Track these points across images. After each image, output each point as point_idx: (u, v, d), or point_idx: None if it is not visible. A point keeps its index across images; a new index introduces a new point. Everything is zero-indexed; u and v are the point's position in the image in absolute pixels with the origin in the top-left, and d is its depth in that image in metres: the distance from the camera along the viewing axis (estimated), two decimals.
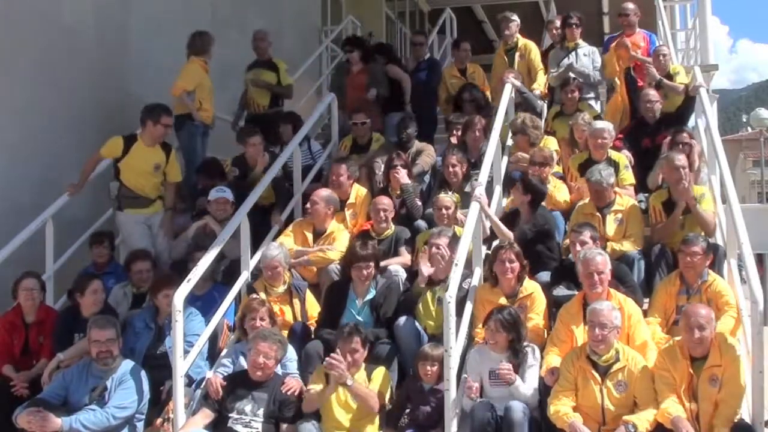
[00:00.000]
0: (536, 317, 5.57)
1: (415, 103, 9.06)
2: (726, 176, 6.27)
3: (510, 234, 6.17)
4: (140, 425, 5.45)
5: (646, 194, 6.96)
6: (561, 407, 4.82)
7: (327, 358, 5.15)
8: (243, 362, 5.57)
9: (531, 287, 5.67)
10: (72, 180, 7.04)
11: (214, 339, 6.00)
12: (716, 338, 4.84)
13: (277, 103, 9.02)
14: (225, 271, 6.64)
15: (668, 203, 6.35)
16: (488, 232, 6.41)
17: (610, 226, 6.37)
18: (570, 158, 7.50)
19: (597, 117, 8.04)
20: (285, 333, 5.76)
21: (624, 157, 7.14)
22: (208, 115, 8.16)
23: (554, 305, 5.72)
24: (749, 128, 45.52)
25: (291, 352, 5.60)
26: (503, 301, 5.55)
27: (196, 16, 9.45)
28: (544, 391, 5.03)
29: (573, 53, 8.84)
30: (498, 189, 6.97)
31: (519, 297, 5.61)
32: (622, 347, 4.98)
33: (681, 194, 6.20)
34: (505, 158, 7.48)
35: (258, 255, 6.48)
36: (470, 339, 5.60)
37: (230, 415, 5.26)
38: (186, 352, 5.48)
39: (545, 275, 5.98)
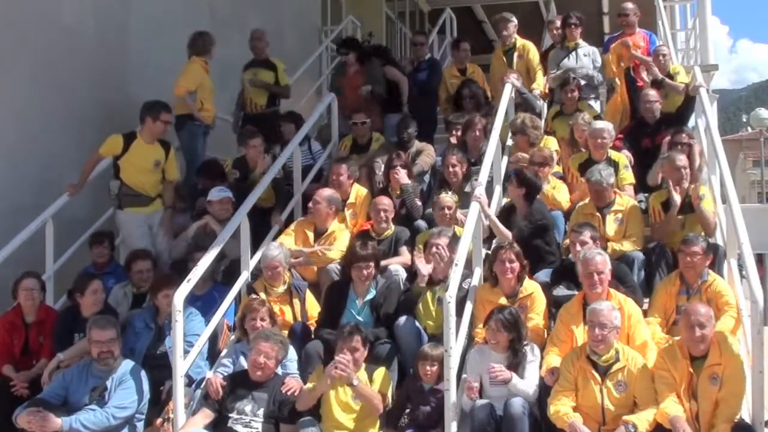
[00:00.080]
0: (536, 317, 5.57)
1: (415, 104, 9.06)
2: (726, 176, 6.27)
3: (509, 234, 6.17)
4: (140, 425, 5.45)
5: (646, 194, 6.96)
6: (561, 407, 4.82)
7: (337, 357, 5.14)
8: (243, 362, 5.58)
9: (531, 287, 5.67)
10: (72, 180, 7.04)
11: (214, 339, 6.00)
12: (716, 337, 4.84)
13: (274, 103, 9.02)
14: (225, 271, 6.64)
15: (668, 203, 6.34)
16: (488, 231, 6.41)
17: (610, 226, 6.37)
18: (570, 158, 7.50)
19: (597, 117, 8.03)
20: (285, 333, 5.76)
21: (624, 157, 7.15)
22: (209, 115, 8.17)
23: (554, 305, 5.72)
24: (749, 128, 45.51)
25: (291, 352, 5.60)
26: (503, 301, 5.55)
27: (196, 16, 9.46)
28: (544, 391, 5.03)
29: (573, 53, 8.85)
30: (498, 189, 6.97)
31: (519, 297, 5.61)
32: (622, 347, 4.98)
33: (678, 194, 6.21)
34: (505, 158, 7.48)
35: (258, 255, 6.48)
36: (470, 339, 5.60)
37: (230, 415, 5.26)
38: (186, 352, 5.48)
39: (544, 275, 5.98)
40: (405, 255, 6.57)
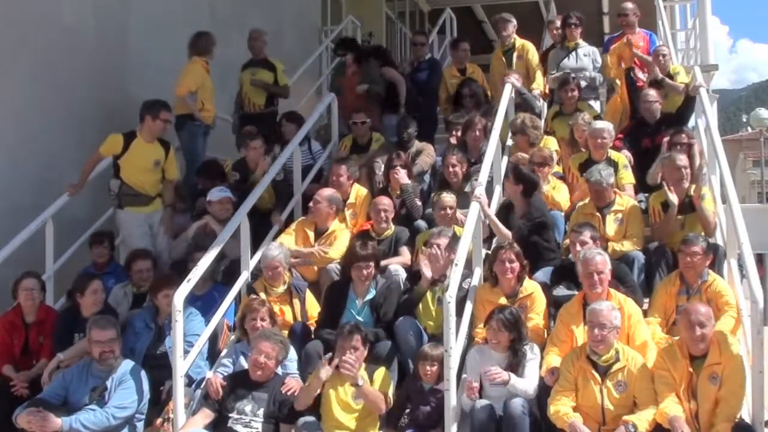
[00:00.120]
0: (536, 317, 5.57)
1: (415, 103, 9.06)
2: (726, 176, 6.27)
3: (509, 234, 6.17)
4: (140, 425, 5.45)
5: (646, 194, 6.96)
6: (561, 407, 4.82)
7: (344, 357, 5.14)
8: (243, 362, 5.58)
9: (531, 287, 5.67)
10: (72, 180, 7.04)
11: (214, 339, 6.00)
12: (716, 336, 4.84)
13: (273, 103, 9.02)
14: (225, 271, 6.64)
15: (668, 203, 6.34)
16: (488, 231, 6.40)
17: (610, 226, 6.37)
18: (570, 158, 7.50)
19: (597, 117, 8.03)
20: (285, 333, 5.76)
21: (623, 157, 7.14)
22: (209, 116, 8.18)
23: (554, 305, 5.72)
24: (749, 128, 45.51)
25: (291, 352, 5.60)
26: (503, 301, 5.55)
27: (196, 16, 9.46)
28: (544, 391, 5.03)
29: (573, 53, 8.85)
30: (498, 189, 6.97)
31: (519, 297, 5.61)
32: (621, 347, 4.98)
33: (678, 194, 6.21)
34: (505, 158, 7.48)
35: (258, 255, 6.48)
36: (470, 339, 5.60)
37: (230, 415, 5.26)
38: (186, 352, 5.48)
39: (543, 275, 5.97)
40: (405, 255, 6.57)
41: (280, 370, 5.47)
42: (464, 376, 5.28)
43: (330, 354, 5.28)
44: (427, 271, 5.82)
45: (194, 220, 7.14)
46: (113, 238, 7.07)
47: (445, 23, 14.00)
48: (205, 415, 5.28)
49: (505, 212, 6.53)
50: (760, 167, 34.27)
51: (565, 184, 7.27)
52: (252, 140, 7.66)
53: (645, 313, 5.55)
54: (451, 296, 5.07)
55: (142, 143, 6.99)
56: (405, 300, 5.91)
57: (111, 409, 5.25)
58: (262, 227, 6.97)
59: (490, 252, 6.00)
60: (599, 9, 16.63)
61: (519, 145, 7.60)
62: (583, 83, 8.44)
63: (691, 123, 8.01)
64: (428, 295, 5.84)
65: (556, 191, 7.03)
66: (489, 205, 6.35)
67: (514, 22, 9.14)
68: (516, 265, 5.61)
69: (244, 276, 6.35)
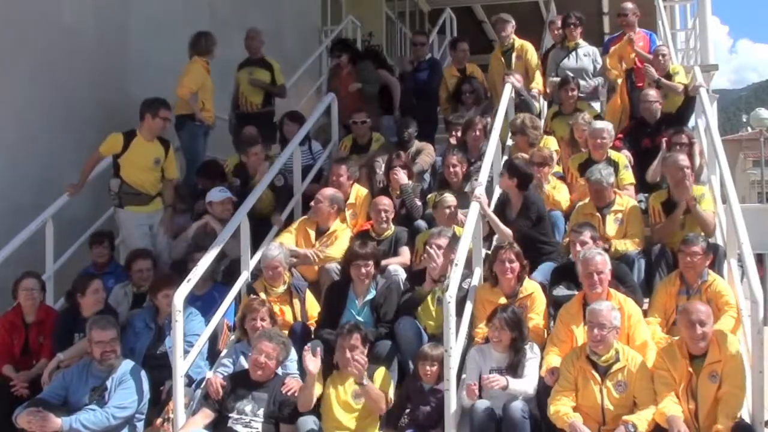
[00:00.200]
0: (536, 317, 5.57)
1: (409, 105, 9.10)
2: (726, 176, 6.27)
3: (510, 232, 6.16)
4: (140, 425, 5.45)
5: (646, 194, 6.96)
6: (561, 407, 4.82)
7: (355, 357, 5.12)
8: (243, 362, 5.58)
9: (531, 287, 5.67)
10: (72, 180, 7.04)
11: (214, 339, 6.00)
12: (715, 335, 4.85)
13: (270, 102, 9.02)
14: (225, 271, 6.63)
15: (668, 203, 6.35)
16: (487, 228, 6.39)
17: (610, 226, 6.37)
18: (570, 158, 7.50)
19: (597, 117, 8.03)
20: (285, 333, 5.75)
21: (623, 157, 7.15)
22: (210, 116, 8.17)
23: (554, 305, 5.72)
24: (749, 128, 45.49)
25: (291, 353, 5.60)
26: (503, 301, 5.55)
27: (196, 16, 9.46)
28: (544, 391, 5.03)
29: (573, 53, 8.86)
30: (498, 189, 6.97)
31: (519, 297, 5.61)
32: (621, 347, 4.98)
33: (681, 194, 6.21)
34: (505, 158, 7.48)
35: (258, 255, 6.48)
36: (470, 339, 5.60)
37: (230, 415, 5.26)
38: (186, 352, 5.48)
39: (541, 275, 5.97)
40: (405, 255, 6.57)
41: (280, 371, 5.47)
42: (464, 376, 5.28)
43: (308, 345, 5.27)
44: (433, 273, 5.81)
45: (194, 221, 7.13)
46: (113, 238, 7.07)
47: (445, 23, 14.01)
48: (205, 415, 5.27)
49: (501, 207, 6.52)
50: (760, 167, 34.26)
51: (565, 184, 7.27)
52: (252, 146, 7.64)
53: (645, 313, 5.55)
54: (451, 296, 5.07)
55: (142, 142, 6.99)
56: (406, 300, 5.90)
57: (111, 409, 5.25)
58: (261, 228, 6.96)
59: (490, 252, 6.00)
60: (599, 9, 16.63)
61: (519, 145, 7.60)
62: (582, 94, 8.43)
63: (691, 123, 8.01)
64: (428, 295, 5.84)
65: (556, 191, 7.03)
66: (489, 205, 6.35)
67: (513, 22, 9.14)
68: (516, 265, 5.61)
69: (244, 276, 6.35)
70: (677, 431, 4.57)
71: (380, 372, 5.32)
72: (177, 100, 7.86)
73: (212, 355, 5.97)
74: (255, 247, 6.62)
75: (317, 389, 5.24)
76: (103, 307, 6.08)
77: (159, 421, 5.40)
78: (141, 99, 7.21)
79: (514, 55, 9.00)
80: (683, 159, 6.36)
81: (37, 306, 6.16)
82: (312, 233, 6.75)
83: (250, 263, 6.44)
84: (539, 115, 8.43)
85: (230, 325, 6.17)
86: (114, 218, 7.19)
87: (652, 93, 7.72)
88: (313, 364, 5.15)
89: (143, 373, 5.47)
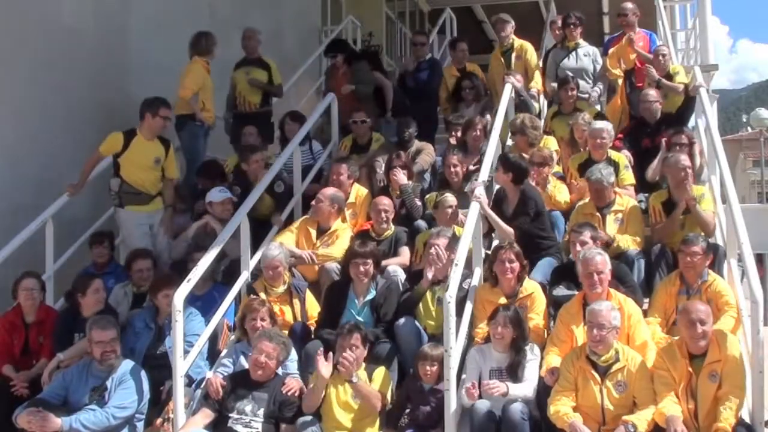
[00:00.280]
0: (536, 317, 5.57)
1: (402, 106, 9.13)
2: (726, 176, 6.27)
3: (511, 231, 6.15)
4: (140, 425, 5.45)
5: (646, 194, 6.96)
6: (561, 407, 4.82)
7: (344, 354, 5.13)
8: (243, 362, 5.57)
9: (531, 287, 5.67)
10: (72, 180, 7.04)
11: (214, 339, 6.00)
12: (715, 335, 4.85)
13: (267, 102, 9.02)
14: (225, 271, 6.63)
15: (668, 203, 6.35)
16: (487, 225, 6.39)
17: (610, 226, 6.37)
18: (570, 158, 7.51)
19: (598, 115, 8.03)
20: (285, 333, 5.75)
21: (624, 157, 7.15)
22: (210, 116, 8.18)
23: (554, 305, 5.72)
24: (749, 128, 45.48)
25: (291, 353, 5.60)
26: (503, 301, 5.55)
27: (196, 16, 9.46)
28: (544, 391, 5.03)
29: (573, 53, 8.86)
30: (497, 188, 6.96)
31: (519, 297, 5.61)
32: (621, 347, 4.98)
33: (681, 194, 6.21)
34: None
35: (258, 255, 6.48)
36: (470, 339, 5.60)
37: (230, 415, 5.26)
38: (186, 352, 5.48)
39: (541, 275, 5.97)
40: (404, 255, 6.57)
41: (280, 371, 5.47)
42: (464, 376, 5.28)
43: (321, 349, 5.28)
44: (429, 273, 5.82)
45: (194, 221, 7.13)
46: (113, 238, 7.06)
47: (445, 23, 14.01)
48: (205, 415, 5.27)
49: (497, 202, 6.51)
50: (760, 167, 34.25)
51: (565, 184, 7.27)
52: (253, 154, 7.61)
53: (645, 313, 5.55)
54: (451, 296, 5.07)
55: (142, 141, 6.99)
56: (405, 299, 5.90)
57: (111, 409, 5.25)
58: (261, 230, 6.95)
59: (490, 252, 6.00)
60: (599, 9, 16.63)
61: (519, 145, 7.60)
62: (581, 94, 8.42)
63: (691, 123, 8.01)
64: (428, 295, 5.84)
65: (556, 191, 7.03)
66: (489, 205, 6.34)
67: (513, 22, 9.15)
68: (516, 265, 5.61)
69: (244, 276, 6.35)
70: (674, 431, 4.57)
71: (380, 372, 5.32)
72: (177, 100, 7.86)
73: (212, 355, 5.97)
74: (255, 247, 6.62)
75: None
76: (103, 307, 6.08)
77: (159, 421, 5.40)
78: (141, 99, 7.21)
79: (513, 55, 9.01)
80: (685, 159, 6.36)
81: (37, 306, 6.16)
82: (313, 232, 6.75)
83: (250, 263, 6.44)
84: (539, 115, 8.43)
85: (230, 325, 6.17)
86: (114, 218, 7.19)
87: (652, 93, 7.72)
88: (326, 369, 5.16)
89: (143, 373, 5.47)
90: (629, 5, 8.95)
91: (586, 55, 8.86)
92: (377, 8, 14.60)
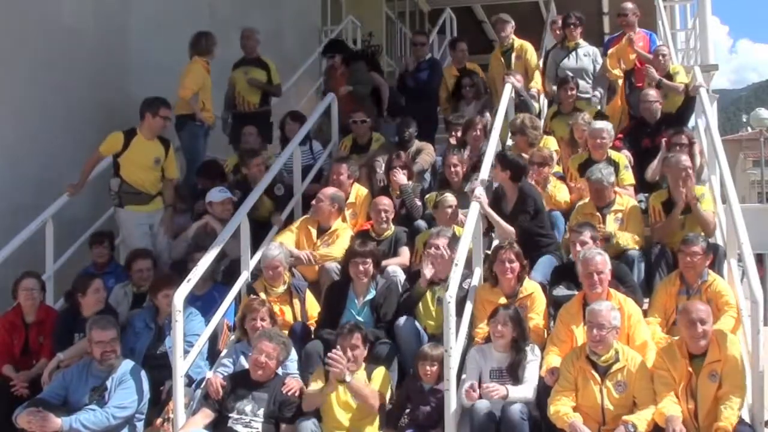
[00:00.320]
0: (536, 317, 5.57)
1: (398, 107, 9.13)
2: (726, 176, 6.27)
3: (512, 230, 6.15)
4: (140, 425, 5.45)
5: (646, 194, 6.96)
6: (561, 407, 4.82)
7: (329, 354, 5.15)
8: (243, 362, 5.57)
9: (531, 287, 5.67)
10: (72, 180, 7.04)
11: (214, 339, 6.00)
12: (715, 334, 4.85)
13: (266, 102, 9.02)
14: (225, 271, 6.64)
15: (668, 203, 6.35)
16: (486, 223, 6.38)
17: (610, 226, 6.36)
18: (570, 158, 7.51)
19: (598, 114, 8.02)
20: (285, 333, 5.75)
21: (624, 157, 7.15)
22: (210, 116, 8.18)
23: (554, 305, 5.72)
24: (749, 128, 45.47)
25: (291, 353, 5.60)
26: (503, 301, 5.55)
27: (196, 16, 9.46)
28: (544, 391, 5.03)
29: (573, 53, 8.86)
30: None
31: (519, 297, 5.61)
32: (621, 347, 4.98)
33: (681, 194, 6.21)
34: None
35: (258, 255, 6.48)
36: (470, 339, 5.60)
37: (230, 415, 5.26)
38: (186, 352, 5.48)
39: (540, 275, 5.97)
40: (404, 255, 6.57)
41: (280, 371, 5.47)
42: (464, 376, 5.28)
43: (310, 344, 5.29)
44: (427, 272, 5.82)
45: (194, 221, 7.13)
46: (113, 238, 7.07)
47: (445, 23, 14.01)
48: (205, 415, 5.27)
49: (496, 200, 6.51)
50: (760, 167, 34.24)
51: (565, 184, 7.27)
52: (253, 158, 7.60)
53: (645, 313, 5.55)
54: (451, 296, 5.07)
55: (142, 140, 6.99)
56: (405, 299, 5.91)
57: (111, 409, 5.25)
58: (261, 231, 6.95)
59: (490, 252, 6.00)
60: (599, 9, 16.63)
61: (519, 145, 7.59)
62: (581, 95, 8.43)
63: (691, 123, 8.01)
64: (428, 295, 5.84)
65: (556, 191, 7.03)
66: (489, 205, 6.34)
67: (512, 23, 9.16)
68: (516, 265, 5.60)
69: (244, 276, 6.35)
70: (674, 431, 4.57)
71: (379, 371, 5.32)
72: (177, 100, 7.86)
73: (212, 355, 5.97)
74: (255, 247, 6.62)
75: (317, 387, 5.25)
76: (103, 307, 6.08)
77: (159, 421, 5.40)
78: (141, 99, 7.21)
79: (513, 55, 9.02)
80: (686, 159, 6.37)
81: (37, 306, 6.16)
82: (313, 232, 6.75)
83: (250, 263, 6.44)
84: (539, 115, 8.43)
85: (230, 325, 6.17)
86: (114, 218, 7.19)
87: (652, 93, 7.72)
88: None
89: (143, 373, 5.47)
90: (629, 5, 8.95)
91: (586, 55, 8.86)
92: (377, 8, 14.59)
